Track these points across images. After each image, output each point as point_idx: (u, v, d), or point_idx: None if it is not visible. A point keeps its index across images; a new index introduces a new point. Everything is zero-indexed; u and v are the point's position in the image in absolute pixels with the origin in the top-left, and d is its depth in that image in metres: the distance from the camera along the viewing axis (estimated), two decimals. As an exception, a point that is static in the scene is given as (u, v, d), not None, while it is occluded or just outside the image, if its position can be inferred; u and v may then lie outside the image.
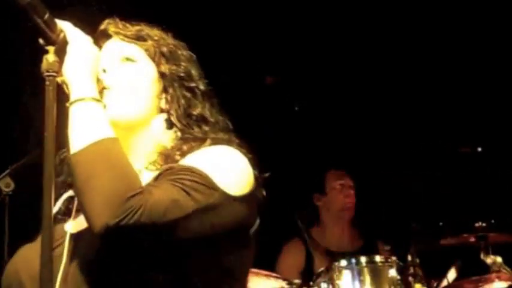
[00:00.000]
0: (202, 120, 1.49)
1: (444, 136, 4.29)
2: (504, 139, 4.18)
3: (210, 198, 1.30)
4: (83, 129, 1.31)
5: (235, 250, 1.41)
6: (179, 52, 1.55)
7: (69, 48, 1.38)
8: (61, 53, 1.37)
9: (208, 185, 1.31)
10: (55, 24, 1.37)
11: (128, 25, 1.55)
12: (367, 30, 4.13)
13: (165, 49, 1.53)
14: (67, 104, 1.35)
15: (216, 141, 1.44)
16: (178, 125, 1.47)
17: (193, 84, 1.52)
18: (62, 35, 1.38)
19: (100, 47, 1.52)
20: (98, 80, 1.42)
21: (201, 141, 1.44)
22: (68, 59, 1.37)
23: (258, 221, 1.46)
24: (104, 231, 1.21)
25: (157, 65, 1.52)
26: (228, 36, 3.89)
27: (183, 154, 1.42)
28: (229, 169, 1.37)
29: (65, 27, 1.39)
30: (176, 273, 1.33)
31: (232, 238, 1.38)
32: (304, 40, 4.11)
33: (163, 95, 1.50)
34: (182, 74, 1.52)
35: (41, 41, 1.36)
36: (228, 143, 1.45)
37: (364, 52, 4.21)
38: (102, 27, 1.55)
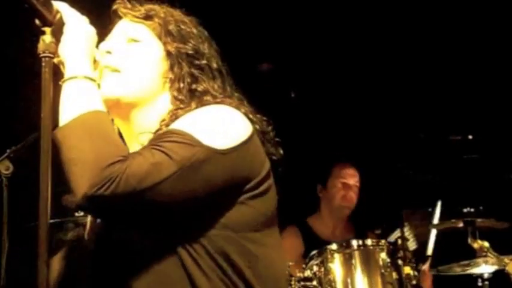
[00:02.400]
0: (206, 94, 1.46)
1: (435, 124, 4.34)
2: (494, 127, 4.23)
3: (193, 157, 1.27)
4: (70, 105, 1.33)
5: (232, 205, 1.36)
6: (188, 29, 1.53)
7: (65, 29, 1.38)
8: (58, 34, 1.37)
9: (189, 142, 1.29)
10: (51, 5, 1.37)
11: (136, 4, 1.54)
12: (364, 19, 4.13)
13: (171, 27, 1.51)
14: (60, 83, 1.36)
15: (203, 103, 1.42)
16: (178, 100, 1.46)
17: (203, 62, 1.50)
18: (58, 15, 1.38)
19: (113, 27, 1.53)
20: (95, 61, 1.43)
21: (186, 106, 1.43)
22: (64, 38, 1.38)
23: (264, 171, 1.40)
24: (82, 201, 1.23)
25: (164, 43, 1.50)
26: (223, 22, 3.89)
27: (174, 117, 1.42)
28: (212, 124, 1.35)
29: (61, 8, 1.40)
30: (169, 235, 1.32)
31: (227, 193, 1.35)
32: (300, 27, 4.11)
33: (169, 74, 1.49)
34: (190, 52, 1.49)
35: (37, 22, 1.35)
36: (226, 104, 1.42)
37: (358, 43, 4.23)
38: (113, 7, 1.55)
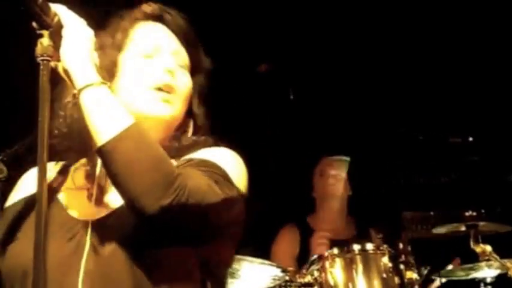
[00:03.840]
0: (206, 128, 1.58)
1: (435, 126, 4.32)
2: (494, 128, 4.22)
3: (231, 193, 1.37)
4: (106, 117, 1.31)
5: (229, 243, 1.48)
6: (203, 61, 1.61)
7: (64, 33, 1.36)
8: (56, 37, 1.35)
9: (229, 180, 1.39)
10: (49, 7, 1.35)
11: (185, 25, 1.57)
12: (362, 19, 4.13)
13: (201, 63, 1.58)
14: (74, 91, 1.34)
15: (215, 144, 1.51)
16: (195, 130, 1.55)
17: (205, 94, 1.60)
18: (56, 18, 1.36)
19: (131, 21, 1.55)
20: (95, 65, 1.39)
21: (204, 142, 1.51)
22: (65, 44, 1.36)
23: None
24: (158, 211, 1.24)
25: (195, 78, 1.57)
26: (222, 23, 3.87)
27: (189, 149, 1.48)
28: (237, 170, 1.44)
29: (59, 10, 1.38)
30: (199, 259, 1.38)
31: (233, 232, 1.46)
32: (299, 27, 4.10)
33: (192, 104, 1.56)
34: (201, 86, 1.59)
35: (34, 25, 1.34)
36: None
37: (357, 43, 4.21)
38: (154, 11, 1.56)
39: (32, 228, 1.30)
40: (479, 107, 4.33)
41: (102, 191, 1.46)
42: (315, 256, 3.13)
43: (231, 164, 1.44)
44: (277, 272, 2.97)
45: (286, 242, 3.77)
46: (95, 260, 1.34)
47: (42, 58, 1.31)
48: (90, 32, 1.42)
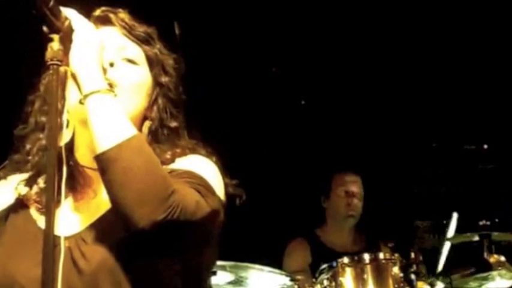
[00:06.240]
0: (176, 132, 1.53)
1: (449, 134, 4.28)
2: (509, 136, 4.18)
3: (214, 203, 1.38)
4: (110, 125, 1.31)
5: (213, 249, 1.48)
6: (171, 62, 1.56)
7: (75, 37, 1.35)
8: (66, 41, 1.34)
9: (211, 190, 1.39)
10: (60, 11, 1.34)
11: (133, 22, 1.52)
12: (377, 27, 4.11)
13: (165, 60, 1.54)
14: (81, 97, 1.33)
15: (196, 152, 1.51)
16: (158, 134, 1.50)
17: (176, 97, 1.55)
18: (67, 22, 1.35)
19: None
20: (103, 70, 1.39)
21: (187, 149, 1.51)
22: (75, 48, 1.34)
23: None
24: (150, 226, 1.24)
25: (156, 74, 1.52)
26: (235, 28, 3.87)
27: (173, 156, 1.47)
28: (215, 179, 1.45)
29: (70, 14, 1.37)
30: (184, 267, 1.38)
31: (214, 238, 1.47)
32: (311, 32, 4.09)
33: (154, 104, 1.51)
34: (171, 86, 1.54)
35: (45, 28, 1.32)
36: (205, 153, 1.52)
37: (371, 50, 4.20)
38: (101, 13, 1.52)
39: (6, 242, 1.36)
40: (493, 114, 4.29)
41: (71, 203, 1.45)
42: (325, 265, 3.09)
43: (209, 173, 1.44)
44: (285, 281, 2.94)
45: (297, 254, 3.71)
46: (77, 275, 1.32)
47: (51, 62, 1.30)
48: (100, 37, 1.41)
